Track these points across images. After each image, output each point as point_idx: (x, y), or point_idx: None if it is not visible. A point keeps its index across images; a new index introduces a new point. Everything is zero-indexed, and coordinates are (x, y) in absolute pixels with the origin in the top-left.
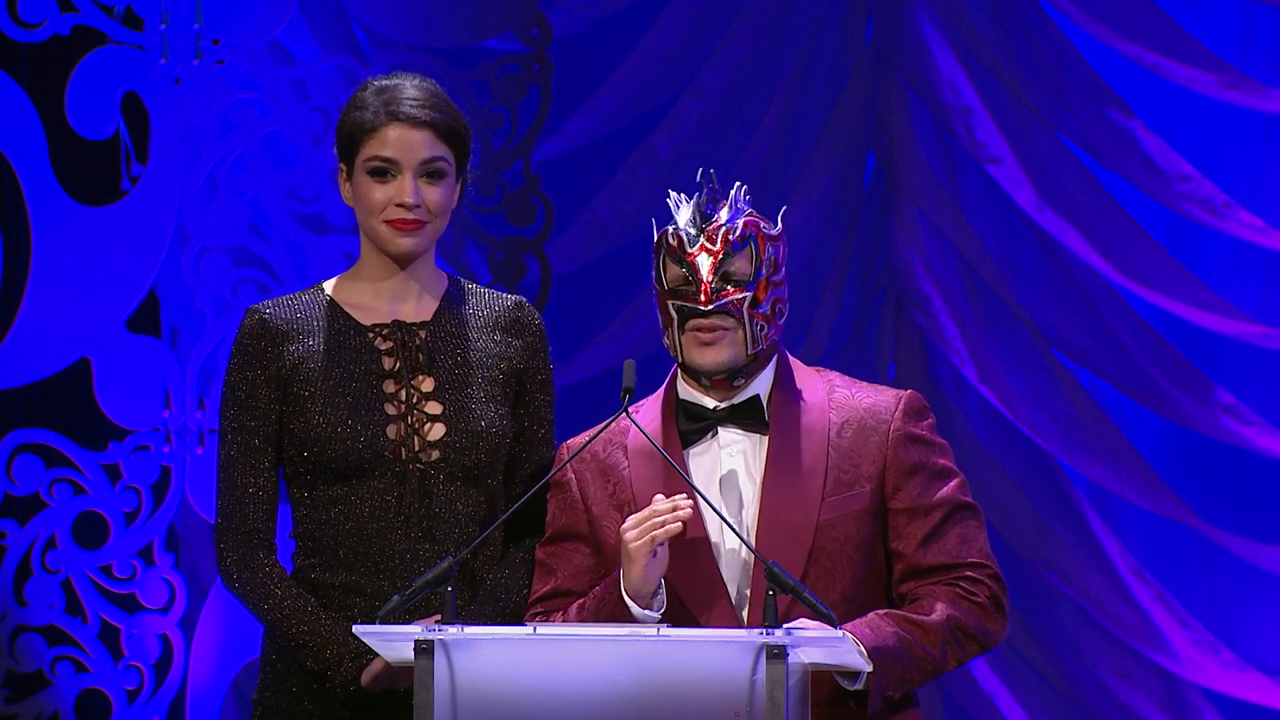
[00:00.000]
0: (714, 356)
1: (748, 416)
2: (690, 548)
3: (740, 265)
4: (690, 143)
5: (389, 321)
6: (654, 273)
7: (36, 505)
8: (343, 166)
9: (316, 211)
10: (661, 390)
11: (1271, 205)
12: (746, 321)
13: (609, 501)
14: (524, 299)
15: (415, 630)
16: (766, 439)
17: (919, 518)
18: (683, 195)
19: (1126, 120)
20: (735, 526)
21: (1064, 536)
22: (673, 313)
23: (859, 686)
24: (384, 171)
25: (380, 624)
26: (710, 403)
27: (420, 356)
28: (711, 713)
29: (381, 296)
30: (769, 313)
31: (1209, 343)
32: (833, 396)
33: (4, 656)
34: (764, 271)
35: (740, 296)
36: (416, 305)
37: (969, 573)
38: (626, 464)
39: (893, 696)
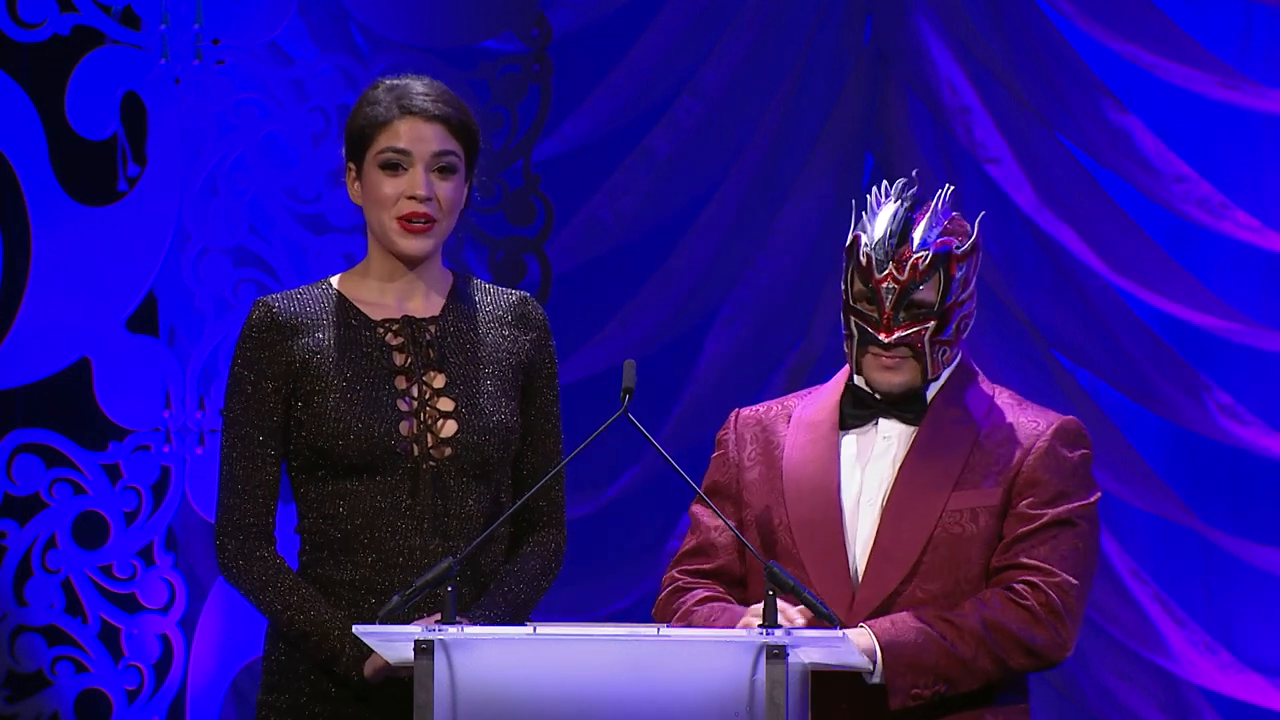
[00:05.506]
0: (891, 379)
1: (909, 409)
2: (821, 523)
3: (927, 295)
4: (689, 143)
5: (399, 317)
6: (843, 277)
7: (36, 505)
8: (351, 166)
9: (316, 211)
10: (839, 377)
11: (1269, 206)
12: (927, 350)
13: (762, 462)
14: (528, 294)
15: (415, 630)
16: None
17: (1022, 523)
18: (886, 189)
19: (1124, 120)
20: (869, 506)
21: None
22: (854, 329)
23: (878, 680)
24: (395, 165)
25: (380, 624)
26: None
27: (431, 352)
28: (711, 713)
29: (389, 293)
30: (952, 336)
31: (1207, 343)
32: (995, 409)
33: (4, 656)
34: (951, 297)
35: (921, 329)
36: (425, 301)
37: (1029, 576)
38: (785, 433)
39: (922, 695)
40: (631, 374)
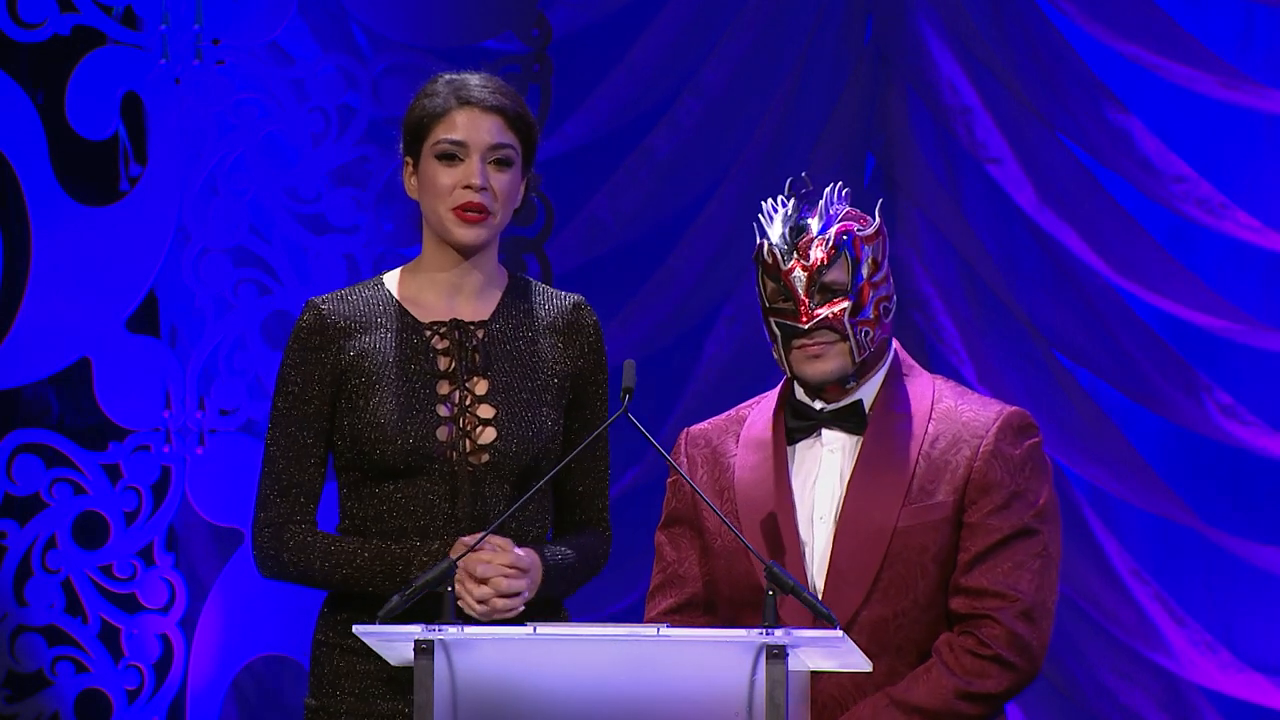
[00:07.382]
0: (822, 368)
1: (849, 420)
2: (777, 543)
3: (837, 275)
4: (689, 143)
5: (447, 320)
6: (756, 286)
7: (36, 505)
8: (408, 160)
9: (316, 211)
10: (779, 386)
11: (1270, 205)
12: (850, 332)
13: (712, 487)
14: (583, 299)
15: (415, 630)
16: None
17: (979, 535)
18: (777, 201)
19: (1125, 120)
20: (821, 522)
21: (1063, 536)
22: (775, 330)
23: None
24: (452, 155)
25: (380, 624)
26: (817, 404)
27: (476, 357)
28: (711, 713)
29: (441, 292)
30: (873, 317)
31: (1207, 343)
32: (936, 407)
33: (4, 656)
34: (863, 275)
35: (840, 309)
36: (476, 302)
37: (992, 608)
38: (735, 452)
39: None
40: (631, 374)
